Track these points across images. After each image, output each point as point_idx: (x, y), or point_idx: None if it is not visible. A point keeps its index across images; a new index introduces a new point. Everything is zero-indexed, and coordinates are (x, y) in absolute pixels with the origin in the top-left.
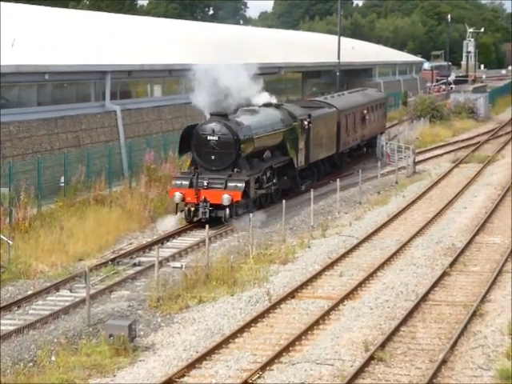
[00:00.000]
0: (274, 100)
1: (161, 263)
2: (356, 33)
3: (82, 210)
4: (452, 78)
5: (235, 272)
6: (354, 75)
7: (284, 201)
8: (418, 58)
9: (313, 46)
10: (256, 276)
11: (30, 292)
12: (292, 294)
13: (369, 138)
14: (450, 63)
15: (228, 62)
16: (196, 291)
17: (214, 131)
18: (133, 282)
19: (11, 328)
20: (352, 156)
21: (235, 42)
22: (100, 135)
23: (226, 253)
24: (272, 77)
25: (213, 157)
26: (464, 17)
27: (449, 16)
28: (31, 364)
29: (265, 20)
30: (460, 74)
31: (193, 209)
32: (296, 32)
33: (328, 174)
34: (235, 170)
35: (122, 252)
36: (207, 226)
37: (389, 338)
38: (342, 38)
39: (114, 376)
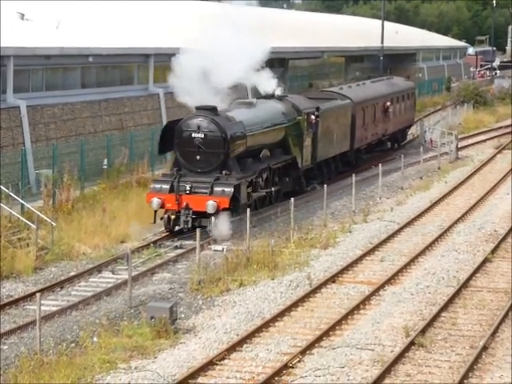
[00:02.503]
0: (279, 91)
1: (202, 246)
2: (400, 17)
3: (125, 193)
4: (496, 63)
5: (276, 256)
6: (397, 60)
7: (325, 186)
8: (462, 43)
9: (356, 31)
10: (297, 260)
11: (72, 273)
12: (333, 279)
13: (393, 133)
14: (494, 48)
15: (224, 44)
16: (237, 274)
17: (199, 128)
18: (174, 265)
19: (54, 309)
20: (372, 152)
21: (275, 25)
22: (143, 118)
23: (266, 237)
24: (315, 61)
25: (198, 157)
26: (510, 1)
27: (494, 1)
28: (73, 345)
29: (308, 5)
30: (505, 60)
31: (173, 217)
32: (339, 16)
33: (340, 173)
34: (224, 172)
35: (164, 235)
36: (248, 209)
37: (429, 324)
38: (386, 23)
39: (155, 358)
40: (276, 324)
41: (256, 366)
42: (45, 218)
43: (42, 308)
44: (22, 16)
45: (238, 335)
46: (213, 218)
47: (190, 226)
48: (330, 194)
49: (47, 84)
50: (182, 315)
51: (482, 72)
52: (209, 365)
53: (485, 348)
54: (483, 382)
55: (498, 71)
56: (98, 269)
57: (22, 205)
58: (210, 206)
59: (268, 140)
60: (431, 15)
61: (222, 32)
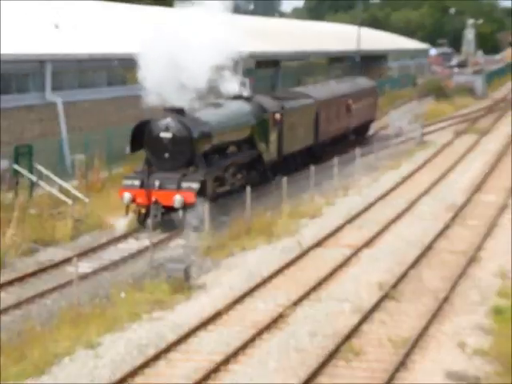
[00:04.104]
0: (246, 91)
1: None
2: (374, 24)
3: None
4: (454, 62)
5: (272, 225)
6: (371, 60)
7: (313, 167)
8: (425, 46)
9: (337, 36)
10: (289, 228)
11: (103, 241)
12: (319, 243)
13: (356, 127)
14: (452, 50)
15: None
16: (239, 241)
17: (167, 128)
18: (188, 233)
19: (88, 270)
20: (336, 144)
21: (269, 32)
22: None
23: (264, 209)
24: (303, 62)
25: (166, 155)
26: (465, 10)
27: (452, 9)
28: (105, 299)
29: (297, 14)
30: (461, 59)
31: (143, 210)
32: (323, 23)
33: (306, 165)
34: (191, 168)
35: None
36: (248, 188)
37: (399, 280)
38: (362, 29)
39: (173, 310)
40: (272, 281)
41: (256, 316)
42: (79, 195)
43: (79, 270)
44: (57, 26)
45: (240, 291)
46: (180, 212)
47: (159, 219)
48: (317, 173)
49: (79, 83)
50: (195, 275)
51: (443, 69)
52: (217, 315)
53: (445, 299)
54: (444, 327)
55: (456, 69)
56: (125, 237)
57: (60, 184)
58: (177, 200)
59: (234, 137)
60: (400, 22)
61: (185, 34)
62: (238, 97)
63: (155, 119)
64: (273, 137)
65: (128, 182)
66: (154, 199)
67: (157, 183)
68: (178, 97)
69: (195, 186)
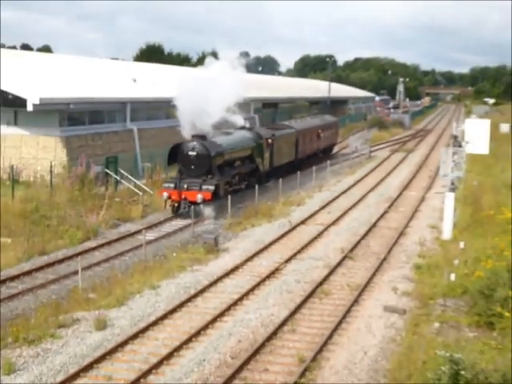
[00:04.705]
0: (253, 124)
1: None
2: (339, 80)
3: None
4: (391, 105)
5: (272, 210)
6: (338, 103)
7: (299, 172)
8: (372, 94)
9: (315, 87)
10: (283, 212)
11: (162, 219)
12: (302, 222)
13: (323, 148)
14: (390, 97)
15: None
16: (250, 220)
17: (193, 148)
18: (217, 215)
19: (152, 238)
20: (310, 159)
21: (271, 84)
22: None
23: (266, 200)
24: (293, 104)
25: (192, 167)
26: (398, 72)
27: (389, 71)
28: (163, 257)
29: (289, 73)
30: (395, 104)
31: (176, 204)
32: (306, 79)
33: (289, 173)
34: (209, 176)
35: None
36: (256, 186)
37: (354, 246)
38: (331, 83)
39: (207, 265)
40: (271, 247)
41: (260, 269)
42: (147, 189)
43: (146, 237)
44: (134, 80)
45: (251, 252)
46: (201, 205)
47: (187, 210)
48: (301, 177)
49: (147, 116)
50: (221, 241)
51: (383, 110)
52: (235, 268)
53: (384, 259)
54: (383, 277)
55: (392, 110)
56: (176, 217)
57: (135, 182)
58: (199, 198)
59: (239, 155)
60: (356, 78)
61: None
62: (242, 127)
63: (185, 142)
64: (266, 155)
65: (166, 185)
66: (183, 197)
67: (185, 186)
68: (202, 127)
69: (211, 188)
